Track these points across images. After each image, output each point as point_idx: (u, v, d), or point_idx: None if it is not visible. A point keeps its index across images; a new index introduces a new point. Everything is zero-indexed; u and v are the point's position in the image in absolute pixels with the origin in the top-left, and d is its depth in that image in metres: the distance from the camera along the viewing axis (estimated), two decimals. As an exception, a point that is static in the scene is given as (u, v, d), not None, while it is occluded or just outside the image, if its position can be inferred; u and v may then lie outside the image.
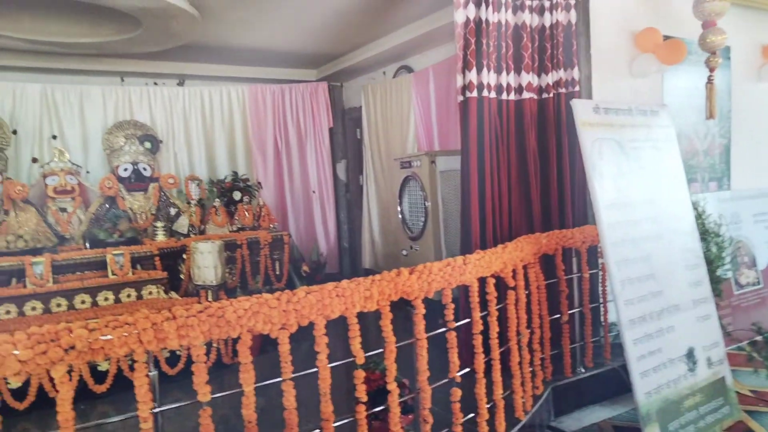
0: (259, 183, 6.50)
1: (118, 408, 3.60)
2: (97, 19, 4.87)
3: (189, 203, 5.69)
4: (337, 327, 2.18)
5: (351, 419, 2.18)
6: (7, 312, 4.02)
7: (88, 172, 5.72)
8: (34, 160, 5.54)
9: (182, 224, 5.54)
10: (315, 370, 2.01)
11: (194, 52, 6.02)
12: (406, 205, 5.57)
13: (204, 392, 1.78)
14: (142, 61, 6.16)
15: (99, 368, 3.75)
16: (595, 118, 3.11)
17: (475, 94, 3.42)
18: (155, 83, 6.48)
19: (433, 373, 2.34)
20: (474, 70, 3.39)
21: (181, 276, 5.11)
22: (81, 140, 5.83)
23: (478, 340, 2.56)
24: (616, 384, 3.35)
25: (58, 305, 4.19)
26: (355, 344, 2.09)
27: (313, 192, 7.16)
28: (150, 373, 1.76)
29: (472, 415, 2.54)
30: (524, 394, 2.93)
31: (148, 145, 5.74)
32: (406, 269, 2.25)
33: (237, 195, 5.93)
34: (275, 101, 6.86)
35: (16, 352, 1.52)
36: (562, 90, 3.64)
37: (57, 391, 1.62)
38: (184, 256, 5.07)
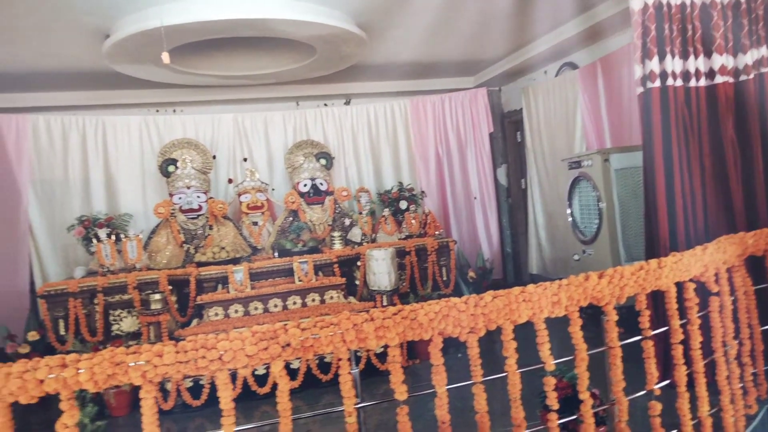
0: (423, 191, 6.66)
1: (310, 403, 3.94)
2: (276, 51, 5.42)
3: (360, 214, 6.04)
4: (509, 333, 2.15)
5: (540, 427, 2.13)
6: (216, 314, 4.62)
7: (273, 189, 6.35)
8: (230, 181, 6.31)
9: (355, 233, 5.89)
10: (503, 375, 2.01)
11: (359, 72, 6.39)
12: (576, 207, 5.31)
13: (401, 391, 1.87)
14: (313, 85, 6.70)
15: (291, 366, 4.13)
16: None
17: (657, 84, 3.16)
18: (325, 104, 7.01)
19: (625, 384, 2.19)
20: (655, 59, 3.14)
21: (356, 282, 5.42)
22: (267, 161, 6.51)
23: (678, 351, 2.35)
24: None
25: (256, 308, 4.70)
26: (544, 350, 2.05)
27: (475, 198, 7.15)
28: (352, 371, 1.90)
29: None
30: (735, 412, 2.61)
31: (323, 161, 6.21)
32: (594, 273, 2.15)
33: (403, 204, 6.14)
34: (435, 111, 7.00)
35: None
36: (766, 69, 3.20)
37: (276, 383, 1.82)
38: (359, 263, 5.37)
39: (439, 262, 5.70)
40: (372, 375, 4.25)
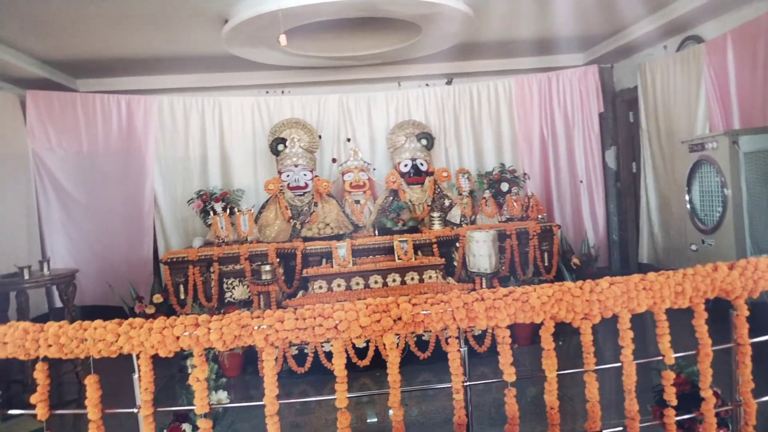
0: (526, 174, 6.48)
1: (408, 380, 4.03)
2: (381, 31, 5.46)
3: (460, 195, 6.00)
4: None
5: (655, 422, 2.03)
6: (320, 287, 4.81)
7: (374, 168, 6.47)
8: (334, 160, 6.51)
9: (455, 214, 5.87)
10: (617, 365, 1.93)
11: (461, 51, 6.28)
12: (696, 193, 4.93)
13: (509, 372, 1.86)
14: (415, 65, 6.69)
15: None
16: None
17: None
18: (427, 84, 6.98)
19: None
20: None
21: (455, 263, 5.42)
22: (369, 140, 6.64)
23: (819, 353, 2.13)
24: None
25: (357, 284, 4.84)
26: (664, 342, 1.94)
27: (581, 181, 6.85)
28: (461, 349, 1.91)
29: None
30: None
31: (424, 142, 6.22)
32: (723, 264, 2.00)
33: (505, 186, 6.02)
34: (542, 90, 6.74)
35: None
36: None
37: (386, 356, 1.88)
38: (458, 244, 5.36)
39: (540, 247, 5.54)
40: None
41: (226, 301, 5.13)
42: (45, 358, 1.86)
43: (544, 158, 6.80)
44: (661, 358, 1.96)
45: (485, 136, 6.78)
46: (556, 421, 1.88)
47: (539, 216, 5.79)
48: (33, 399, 1.87)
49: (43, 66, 5.65)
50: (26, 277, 4.26)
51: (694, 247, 4.93)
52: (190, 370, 4.59)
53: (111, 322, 1.83)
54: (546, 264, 5.56)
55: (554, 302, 1.85)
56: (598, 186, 6.86)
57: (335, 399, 1.87)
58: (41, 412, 1.86)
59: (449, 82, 7.05)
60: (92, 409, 1.85)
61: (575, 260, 5.67)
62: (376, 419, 3.71)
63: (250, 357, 4.66)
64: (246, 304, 5.03)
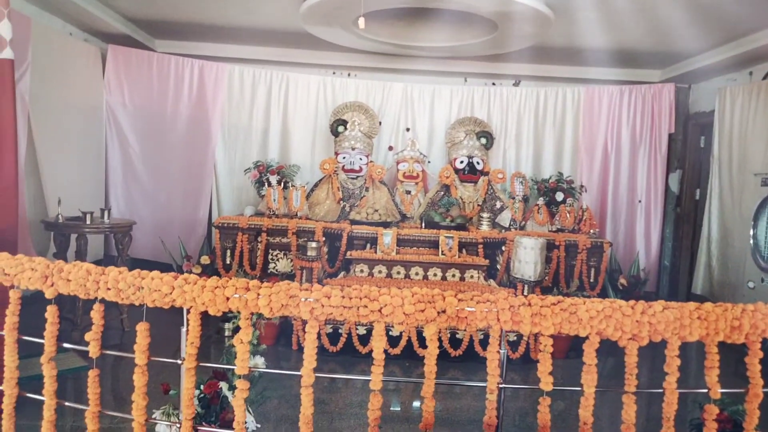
0: (583, 186, 6.32)
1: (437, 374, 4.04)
2: (455, 24, 5.41)
3: (513, 198, 5.92)
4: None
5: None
6: (362, 271, 4.86)
7: (429, 161, 6.45)
8: (390, 148, 6.53)
9: (505, 218, 5.80)
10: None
11: (532, 53, 6.15)
12: (762, 229, 4.72)
13: (547, 381, 1.84)
14: (483, 62, 6.61)
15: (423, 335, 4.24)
16: None
17: None
18: (493, 83, 6.89)
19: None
20: None
21: (498, 266, 5.36)
22: (428, 133, 6.62)
23: None
24: None
25: (398, 273, 4.87)
26: (712, 376, 1.87)
27: (639, 201, 6.64)
28: (501, 351, 1.90)
29: None
30: None
31: (483, 140, 6.16)
32: (789, 303, 1.91)
33: (560, 196, 5.90)
34: (612, 102, 6.55)
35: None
36: None
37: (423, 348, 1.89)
38: (503, 248, 5.30)
39: (588, 262, 5.41)
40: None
41: (269, 271, 5.25)
42: (102, 300, 1.97)
43: (604, 172, 6.62)
44: (705, 391, 1.89)
45: (546, 143, 6.65)
46: (588, 437, 1.85)
47: (591, 231, 5.65)
48: (87, 336, 1.98)
49: (126, 23, 5.88)
50: (88, 222, 4.48)
51: (751, 285, 4.72)
52: (227, 333, 4.76)
53: (167, 274, 1.92)
54: (591, 280, 5.43)
55: (603, 318, 1.81)
56: (656, 208, 6.64)
57: (369, 380, 1.90)
58: (93, 349, 1.97)
59: (517, 84, 6.94)
60: (140, 355, 1.94)
61: (623, 280, 5.52)
62: (399, 408, 3.75)
63: (283, 329, 4.77)
64: (288, 277, 5.14)
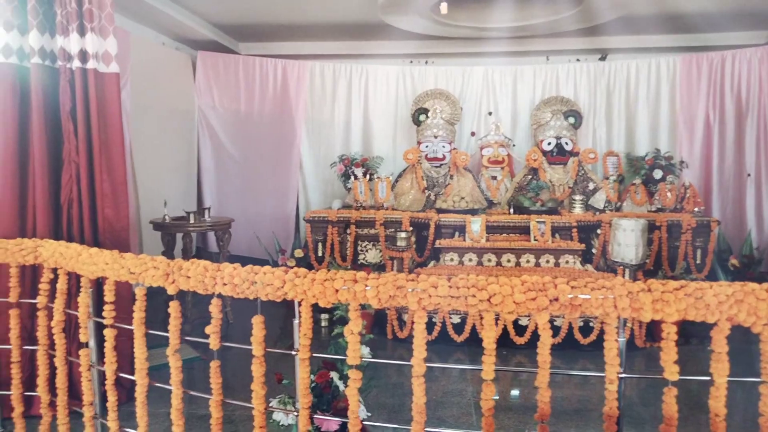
0: (683, 161, 5.92)
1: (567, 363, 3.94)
2: (534, 1, 5.22)
3: (606, 179, 5.64)
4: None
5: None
6: (451, 259, 4.83)
7: (514, 145, 6.28)
8: (473, 134, 6.42)
9: (599, 199, 5.54)
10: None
11: (620, 25, 5.80)
12: None
13: (672, 371, 1.74)
14: (565, 38, 6.32)
15: (555, 323, 4.16)
16: None
17: None
18: (578, 59, 6.58)
19: None
20: None
21: (593, 250, 5.15)
22: (511, 116, 6.45)
23: None
24: None
25: (489, 260, 4.79)
26: None
27: (749, 175, 6.10)
28: (619, 339, 1.82)
29: None
30: None
31: (571, 120, 5.91)
32: None
33: (658, 173, 5.55)
34: (712, 70, 6.06)
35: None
36: None
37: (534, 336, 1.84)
38: (599, 231, 5.07)
39: (693, 243, 5.07)
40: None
41: (359, 262, 5.33)
42: (219, 295, 2.07)
43: (707, 146, 6.15)
44: None
45: (640, 118, 6.28)
46: (722, 430, 1.73)
47: (696, 209, 5.28)
48: (207, 330, 2.09)
49: (213, 29, 6.15)
50: (191, 221, 4.74)
51: None
52: (323, 324, 4.88)
53: (278, 269, 1.99)
54: (698, 262, 5.09)
55: (734, 302, 1.68)
56: (768, 181, 6.10)
57: (465, 369, 1.88)
58: (213, 342, 2.08)
59: (603, 58, 6.59)
60: (257, 346, 2.03)
61: (734, 261, 5.13)
62: (497, 397, 3.69)
63: (378, 318, 4.83)
64: (378, 267, 5.19)
